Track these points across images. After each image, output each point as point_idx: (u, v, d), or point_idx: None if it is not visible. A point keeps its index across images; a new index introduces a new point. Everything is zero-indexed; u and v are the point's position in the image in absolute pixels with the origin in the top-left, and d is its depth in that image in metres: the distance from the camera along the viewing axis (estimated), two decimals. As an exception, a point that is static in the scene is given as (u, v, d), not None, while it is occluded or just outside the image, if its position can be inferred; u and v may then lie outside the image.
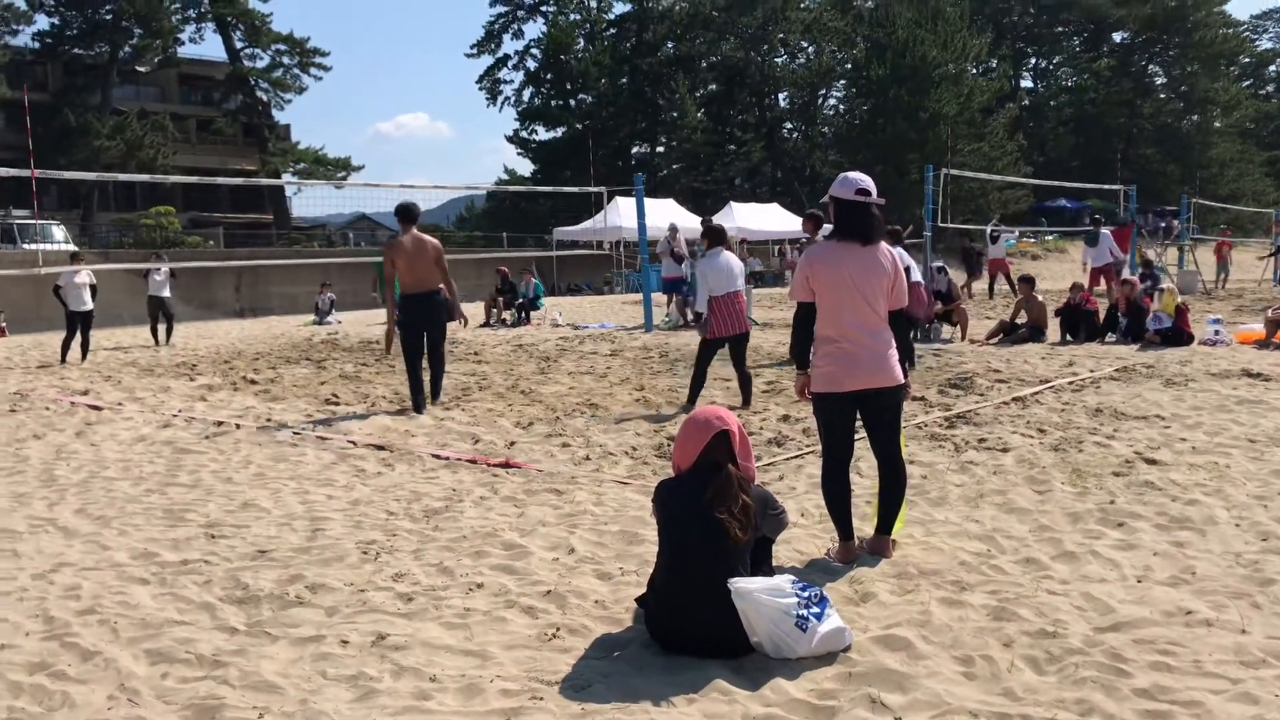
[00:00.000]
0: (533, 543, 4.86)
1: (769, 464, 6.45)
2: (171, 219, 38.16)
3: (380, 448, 7.30)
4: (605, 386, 10.12)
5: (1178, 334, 12.15)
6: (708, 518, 3.62)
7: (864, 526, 4.79)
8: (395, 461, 6.86)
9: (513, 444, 7.35)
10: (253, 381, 11.32)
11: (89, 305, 13.98)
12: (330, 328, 19.40)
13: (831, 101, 63.57)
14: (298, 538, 5.11)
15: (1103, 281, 18.05)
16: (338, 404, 9.47)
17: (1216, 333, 12.31)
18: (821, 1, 63.46)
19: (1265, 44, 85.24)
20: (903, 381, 4.51)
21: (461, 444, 7.43)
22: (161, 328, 16.42)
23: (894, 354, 4.47)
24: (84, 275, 14.09)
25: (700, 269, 8.77)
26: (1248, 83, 77.21)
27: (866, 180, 4.47)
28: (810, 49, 60.96)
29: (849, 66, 57.71)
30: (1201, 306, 17.39)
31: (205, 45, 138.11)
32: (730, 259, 8.69)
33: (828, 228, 12.09)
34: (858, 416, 4.54)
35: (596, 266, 35.21)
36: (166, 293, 16.40)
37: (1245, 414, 7.63)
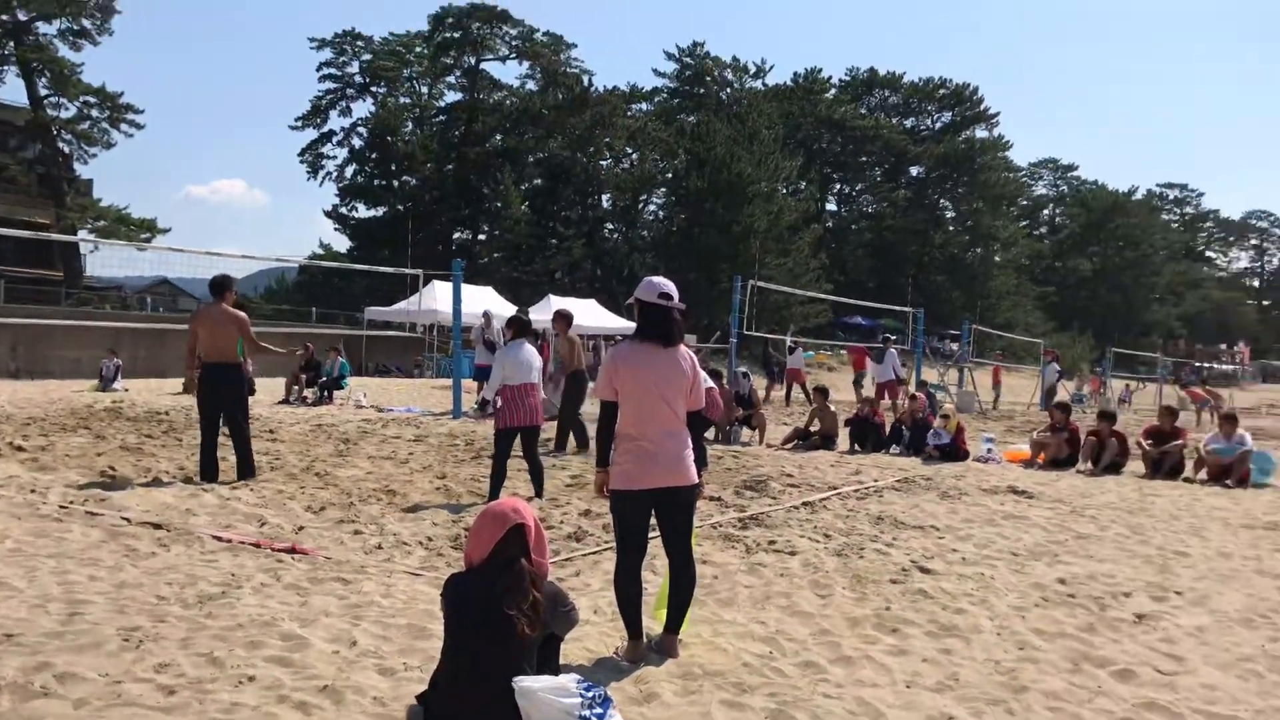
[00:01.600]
0: (313, 634, 4.66)
1: (566, 559, 6.44)
2: (-57, 268, 35.23)
3: (157, 526, 6.86)
4: (405, 473, 9.90)
5: (954, 450, 12.98)
6: (497, 613, 3.58)
7: (654, 626, 4.83)
8: (172, 542, 6.46)
9: (301, 529, 7.06)
10: (20, 448, 10.45)
11: None
12: (115, 395, 18.23)
13: (652, 207, 65.71)
14: (51, 621, 4.72)
15: (887, 395, 19.21)
16: (114, 476, 8.87)
17: (989, 450, 13.24)
18: (647, 111, 66.03)
19: (1040, 189, 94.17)
20: (697, 482, 4.63)
21: (246, 526, 7.08)
22: None
23: (690, 454, 4.60)
24: None
25: (499, 357, 8.80)
26: (1025, 223, 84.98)
27: (668, 285, 4.63)
28: (634, 155, 62.99)
29: (670, 176, 59.91)
30: (977, 425, 18.64)
31: (6, 89, 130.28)
32: (530, 352, 8.72)
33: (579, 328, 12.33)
34: (653, 515, 4.62)
35: (408, 349, 34.65)
36: None
37: (1010, 528, 8.19)
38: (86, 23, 51.43)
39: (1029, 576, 6.48)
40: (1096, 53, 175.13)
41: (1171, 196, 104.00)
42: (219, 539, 6.59)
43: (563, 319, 12.47)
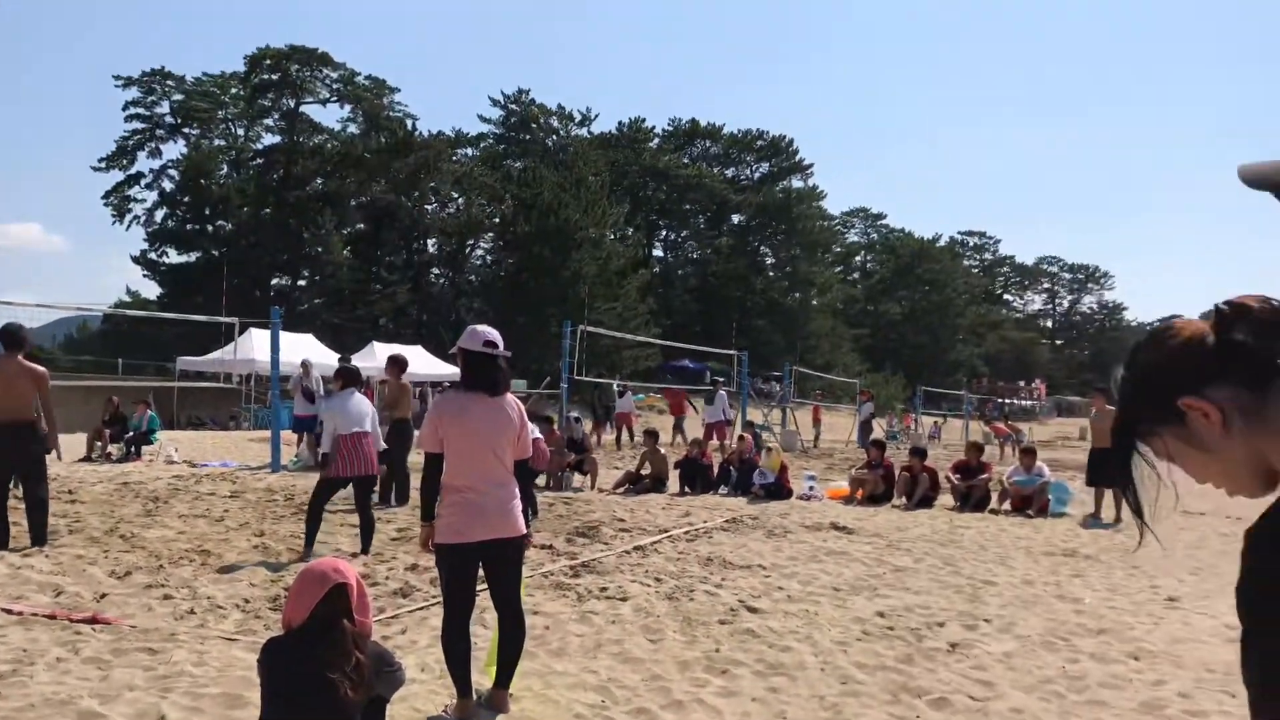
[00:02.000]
0: (115, 710, 4.35)
1: (392, 616, 6.26)
2: None
3: (-65, 601, 6.28)
4: (221, 531, 9.41)
5: (779, 488, 13.35)
6: (318, 677, 3.44)
7: (484, 681, 4.75)
8: (-47, 617, 5.92)
9: (104, 596, 6.60)
10: None
11: None
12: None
13: (479, 252, 65.38)
14: None
15: (715, 437, 19.63)
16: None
17: (811, 488, 13.69)
18: (473, 157, 65.90)
19: (852, 237, 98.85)
20: (525, 532, 4.60)
21: (41, 596, 6.56)
22: None
23: (518, 504, 4.57)
24: None
25: (329, 407, 8.69)
26: (839, 268, 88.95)
27: (493, 333, 4.62)
28: (460, 200, 62.65)
29: (497, 221, 59.82)
30: (800, 464, 19.24)
31: None
32: (360, 400, 8.65)
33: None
34: (480, 569, 4.55)
35: (223, 400, 33.07)
36: None
37: (832, 564, 8.47)
38: None
39: (850, 611, 6.71)
40: (903, 108, 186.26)
41: (971, 243, 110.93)
42: (9, 611, 6.08)
43: (395, 364, 12.24)
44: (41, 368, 8.46)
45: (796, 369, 31.74)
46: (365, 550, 8.39)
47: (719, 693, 4.91)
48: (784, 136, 78.08)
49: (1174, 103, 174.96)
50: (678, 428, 25.83)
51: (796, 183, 78.68)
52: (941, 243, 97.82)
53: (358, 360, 26.06)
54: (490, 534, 4.42)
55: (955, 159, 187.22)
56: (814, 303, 76.54)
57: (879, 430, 29.06)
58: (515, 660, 4.61)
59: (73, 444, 18.42)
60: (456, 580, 4.50)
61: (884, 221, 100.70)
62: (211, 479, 13.88)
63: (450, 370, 38.11)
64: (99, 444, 17.51)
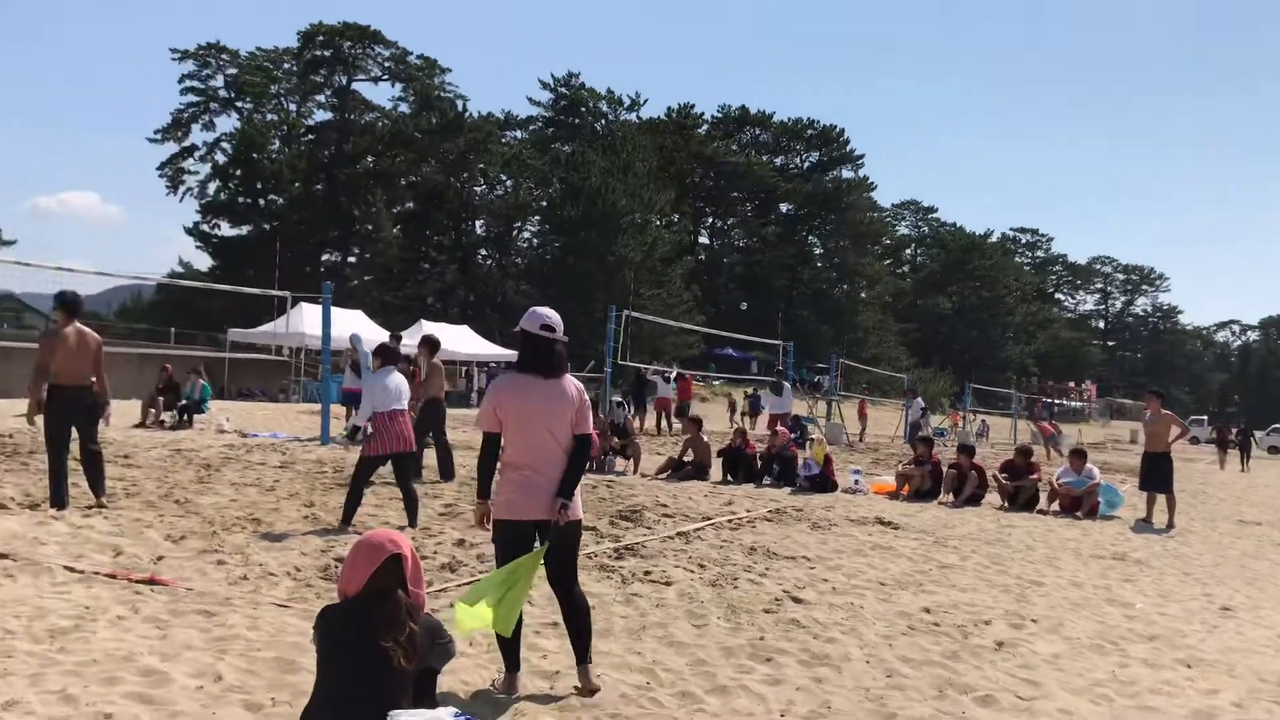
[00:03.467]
0: (175, 669, 4.45)
1: (440, 589, 6.33)
2: None
3: (2, 556, 6.45)
4: (271, 500, 9.57)
5: (824, 481, 13.30)
6: (372, 646, 3.49)
7: (530, 657, 4.79)
8: (18, 572, 6.07)
9: (160, 559, 6.74)
10: None
11: None
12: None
13: (526, 234, 65.66)
14: (-119, 660, 4.39)
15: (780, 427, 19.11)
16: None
17: (856, 482, 13.61)
18: (522, 139, 66.08)
19: (903, 229, 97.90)
20: (580, 516, 4.62)
21: (100, 556, 6.72)
22: None
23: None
24: None
25: (367, 384, 8.81)
26: (888, 261, 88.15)
27: (553, 317, 4.63)
28: (509, 182, 62.89)
29: (544, 204, 59.98)
30: (845, 458, 19.16)
31: None
32: (398, 378, 8.80)
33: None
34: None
35: (273, 372, 33.56)
36: None
37: (878, 558, 8.43)
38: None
39: (896, 605, 6.68)
40: (955, 101, 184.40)
41: (1024, 240, 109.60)
42: (71, 569, 6.24)
43: (427, 344, 12.37)
44: (96, 333, 8.71)
45: (843, 361, 31.50)
46: (412, 524, 8.49)
47: (763, 680, 4.92)
48: (835, 126, 77.56)
49: (1234, 101, 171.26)
50: (681, 412, 25.65)
51: (846, 173, 78.14)
52: (993, 239, 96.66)
53: (406, 337, 26.37)
54: (545, 514, 4.45)
55: (1008, 154, 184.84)
56: (862, 295, 76.00)
57: (927, 428, 28.83)
58: (587, 635, 4.62)
59: (127, 410, 18.81)
60: (509, 556, 4.53)
61: (935, 215, 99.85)
62: (262, 449, 14.10)
63: (496, 350, 38.39)
64: (153, 411, 17.85)
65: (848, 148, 77.65)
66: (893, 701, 4.69)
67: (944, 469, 13.37)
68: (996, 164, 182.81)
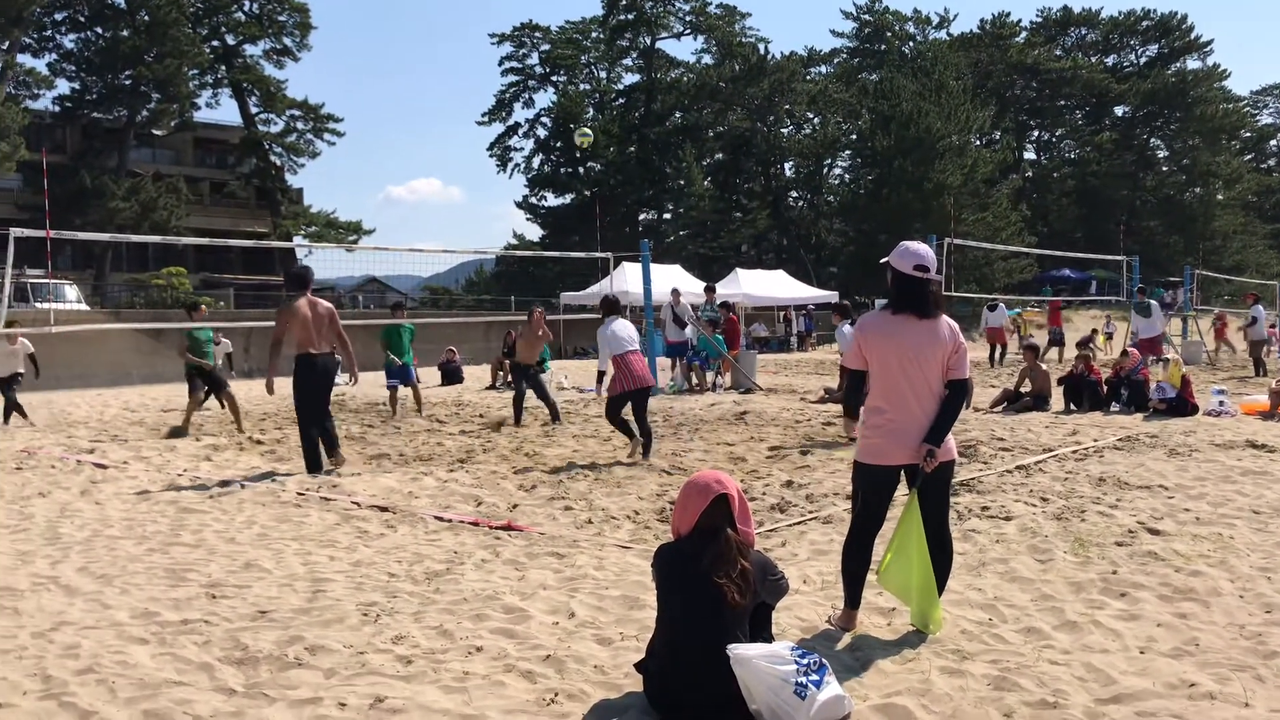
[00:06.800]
0: (533, 606, 4.86)
1: (771, 529, 6.44)
2: (183, 280, 38.48)
3: (383, 509, 7.31)
4: (609, 450, 10.14)
5: (1182, 404, 12.16)
6: (707, 583, 3.62)
7: (867, 594, 4.77)
8: (398, 523, 6.87)
9: (515, 506, 7.35)
10: (259, 442, 11.34)
11: (12, 370, 13.79)
12: (336, 389, 19.44)
13: (837, 171, 64.43)
14: (298, 599, 5.11)
15: (1154, 353, 17.24)
16: (341, 465, 9.48)
17: (1221, 403, 12.31)
18: (827, 74, 64.67)
19: (1266, 119, 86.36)
20: (954, 456, 4.48)
21: (464, 506, 7.43)
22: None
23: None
24: (18, 345, 13.78)
25: (600, 335, 9.76)
26: (1249, 156, 78.09)
27: (927, 256, 4.39)
28: (816, 120, 61.89)
29: (854, 137, 58.52)
30: (1206, 377, 17.39)
31: (221, 110, 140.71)
32: (623, 324, 9.68)
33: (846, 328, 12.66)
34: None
35: (603, 331, 35.25)
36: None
37: (1250, 485, 7.61)
38: (288, 41, 55.00)
39: (1274, 535, 6.01)
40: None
41: None
42: (440, 519, 6.95)
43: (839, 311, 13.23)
44: (328, 303, 9.33)
45: (1199, 273, 28.46)
46: (645, 456, 9.23)
47: (1118, 615, 4.60)
48: (1175, 13, 69.40)
49: None
50: (1056, 341, 24.19)
51: (1192, 64, 69.84)
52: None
53: (722, 287, 26.82)
54: (913, 458, 4.34)
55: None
56: (1219, 197, 67.96)
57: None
58: (944, 577, 4.53)
59: (480, 374, 20.56)
60: (869, 502, 4.46)
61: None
62: (598, 403, 14.91)
63: (812, 293, 38.15)
64: (500, 373, 19.36)
65: (1191, 35, 69.42)
66: (1274, 639, 4.24)
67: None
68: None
